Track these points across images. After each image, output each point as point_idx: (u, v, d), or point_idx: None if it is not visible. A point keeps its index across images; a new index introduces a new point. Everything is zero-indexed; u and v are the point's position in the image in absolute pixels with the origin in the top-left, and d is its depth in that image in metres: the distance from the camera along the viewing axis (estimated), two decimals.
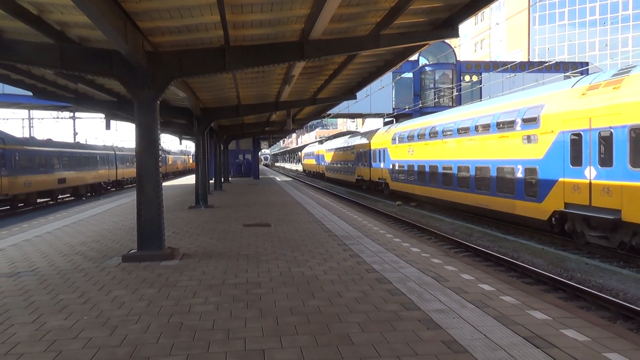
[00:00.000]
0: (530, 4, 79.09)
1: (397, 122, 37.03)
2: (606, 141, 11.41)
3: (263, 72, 12.47)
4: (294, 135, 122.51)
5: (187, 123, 18.27)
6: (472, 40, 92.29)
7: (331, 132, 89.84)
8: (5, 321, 4.90)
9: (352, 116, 48.34)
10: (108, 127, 17.63)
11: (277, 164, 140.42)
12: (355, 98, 17.84)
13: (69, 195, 31.60)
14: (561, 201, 12.81)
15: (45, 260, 7.92)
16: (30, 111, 41.58)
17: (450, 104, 40.34)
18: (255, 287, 6.10)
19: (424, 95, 41.97)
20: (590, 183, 11.81)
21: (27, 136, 34.31)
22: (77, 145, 33.32)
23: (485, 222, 17.23)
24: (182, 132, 30.29)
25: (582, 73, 40.59)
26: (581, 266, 10.83)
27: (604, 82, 11.76)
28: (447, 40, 27.93)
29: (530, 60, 65.33)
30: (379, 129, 31.43)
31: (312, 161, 60.01)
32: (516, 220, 15.28)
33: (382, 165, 28.25)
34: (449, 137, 19.50)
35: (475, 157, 17.39)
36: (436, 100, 40.99)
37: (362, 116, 46.50)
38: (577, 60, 56.80)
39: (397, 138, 25.64)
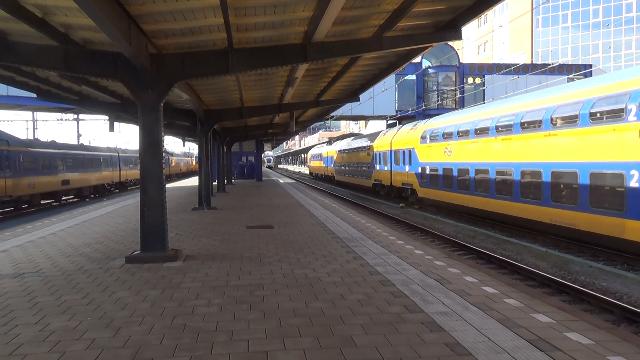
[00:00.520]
0: (534, 6, 79.04)
1: (399, 124, 36.99)
2: None
3: (266, 74, 12.49)
4: (297, 137, 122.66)
5: (190, 125, 18.33)
6: (475, 42, 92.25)
7: (334, 134, 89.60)
8: (9, 322, 4.92)
9: (355, 118, 48.32)
10: (112, 128, 17.74)
11: (280, 166, 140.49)
12: (359, 100, 17.83)
13: (72, 196, 31.69)
14: None
15: (49, 262, 7.94)
16: (34, 113, 41.74)
17: (454, 106, 40.32)
18: (259, 289, 6.11)
19: (427, 97, 41.95)
20: None
21: (31, 138, 34.45)
22: (81, 147, 33.44)
23: (489, 225, 17.18)
24: (185, 134, 30.43)
25: (585, 75, 40.59)
26: (585, 269, 10.80)
27: None
28: (450, 43, 27.91)
29: (534, 62, 65.30)
30: (401, 126, 27.79)
31: (320, 163, 55.52)
32: (623, 248, 11.22)
33: (407, 168, 24.39)
34: (507, 133, 15.47)
35: (551, 158, 13.39)
36: (439, 102, 40.96)
37: (365, 118, 46.49)
38: (580, 63, 56.78)
39: (428, 136, 21.75)
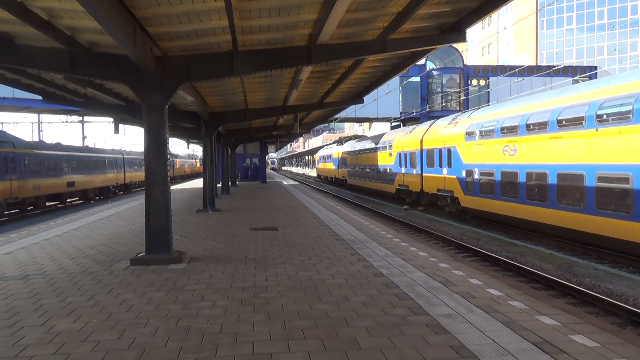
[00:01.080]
0: (538, 8, 78.89)
1: (404, 126, 36.87)
2: None
3: (271, 77, 12.51)
4: (300, 139, 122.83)
5: (195, 127, 18.37)
6: (479, 44, 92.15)
7: (337, 135, 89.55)
8: (15, 324, 4.94)
9: (359, 120, 48.34)
10: (117, 131, 17.80)
11: (284, 168, 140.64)
12: (363, 102, 17.83)
13: (77, 198, 31.82)
14: None
15: (54, 264, 7.97)
16: (40, 115, 42.03)
17: (458, 108, 40.28)
18: (263, 290, 6.11)
19: (431, 99, 41.93)
20: None
21: (37, 140, 34.62)
22: (86, 149, 33.59)
23: (493, 227, 17.13)
24: (189, 136, 30.47)
25: (590, 77, 40.48)
26: (590, 271, 10.75)
27: None
28: (455, 45, 27.82)
29: (538, 64, 65.14)
30: (433, 121, 23.76)
31: (330, 165, 50.08)
32: None
33: (444, 171, 20.31)
34: (614, 123, 11.29)
35: None
36: (443, 104, 40.93)
37: (369, 120, 46.50)
38: (585, 65, 56.64)
39: (477, 132, 17.60)
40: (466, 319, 4.89)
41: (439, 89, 41.85)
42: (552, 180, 13.37)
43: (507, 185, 15.57)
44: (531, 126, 14.41)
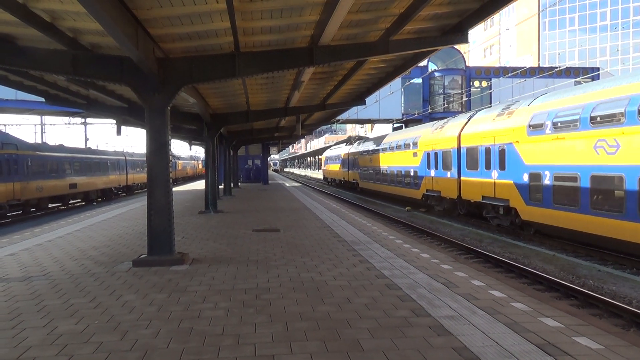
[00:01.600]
0: (541, 9, 78.82)
1: (406, 127, 36.80)
2: None
3: (273, 78, 12.52)
4: (302, 140, 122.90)
5: (197, 129, 18.41)
6: (481, 45, 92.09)
7: (340, 137, 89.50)
8: (17, 325, 4.94)
9: (361, 121, 48.35)
10: (119, 132, 17.82)
11: (287, 169, 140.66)
12: (365, 104, 17.83)
13: (80, 200, 31.87)
14: None
15: (57, 265, 7.98)
16: (43, 117, 42.05)
17: (460, 109, 40.25)
18: (265, 292, 6.10)
19: (433, 100, 41.91)
20: None
21: (39, 142, 34.69)
22: (88, 150, 33.64)
23: (495, 228, 17.09)
24: (192, 138, 30.53)
25: (592, 78, 40.42)
26: (593, 273, 10.71)
27: None
28: (457, 46, 27.67)
29: (540, 65, 65.09)
30: (474, 112, 20.10)
31: (337, 167, 45.53)
32: None
33: (494, 174, 16.62)
34: None
35: None
36: (445, 105, 40.90)
37: (371, 121, 46.51)
38: (587, 66, 56.54)
39: (548, 123, 13.63)
40: (469, 320, 4.88)
41: (441, 91, 41.84)
42: None
43: (601, 194, 11.76)
44: None
